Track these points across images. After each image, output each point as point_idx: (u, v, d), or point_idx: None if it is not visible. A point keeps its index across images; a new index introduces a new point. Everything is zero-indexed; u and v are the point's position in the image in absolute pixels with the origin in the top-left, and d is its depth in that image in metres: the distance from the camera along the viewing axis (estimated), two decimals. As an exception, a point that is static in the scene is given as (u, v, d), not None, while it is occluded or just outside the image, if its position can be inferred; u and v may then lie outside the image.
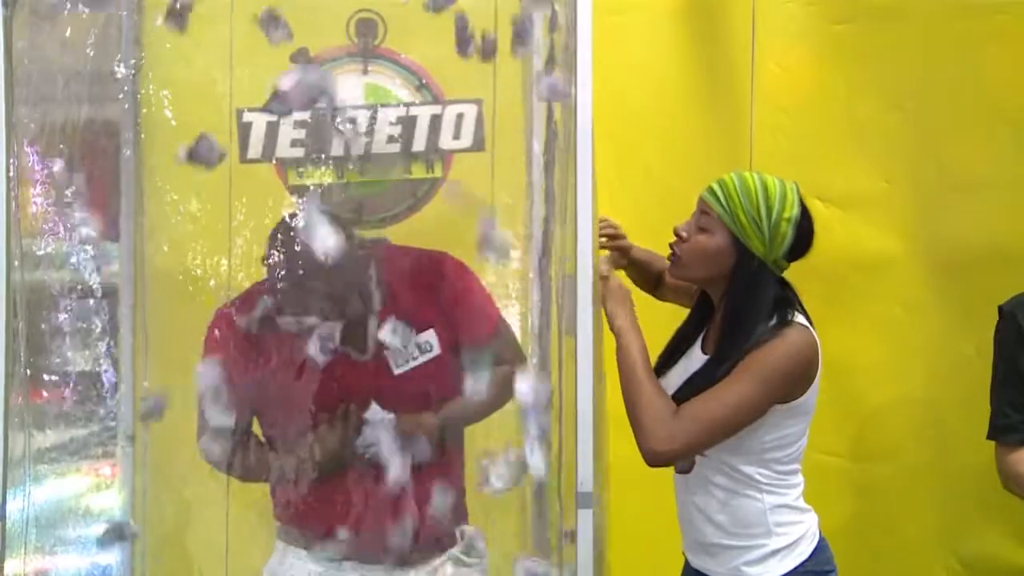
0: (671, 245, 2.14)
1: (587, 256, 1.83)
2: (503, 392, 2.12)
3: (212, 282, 2.08)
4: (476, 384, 2.15)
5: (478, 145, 2.93)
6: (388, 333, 2.10)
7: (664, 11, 3.15)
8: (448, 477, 2.18)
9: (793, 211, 2.06)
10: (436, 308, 2.23)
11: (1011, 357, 2.22)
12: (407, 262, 2.27)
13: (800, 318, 2.06)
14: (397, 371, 2.17)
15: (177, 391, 2.16)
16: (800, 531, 2.07)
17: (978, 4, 2.83)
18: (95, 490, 2.26)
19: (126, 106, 2.02)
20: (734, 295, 2.08)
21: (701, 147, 2.97)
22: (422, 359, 2.19)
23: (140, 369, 2.23)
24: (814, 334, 2.06)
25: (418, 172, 2.86)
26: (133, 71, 2.00)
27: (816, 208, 2.94)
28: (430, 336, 2.20)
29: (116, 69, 1.95)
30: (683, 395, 2.03)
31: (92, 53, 1.89)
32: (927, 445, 2.92)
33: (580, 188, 1.83)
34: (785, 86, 3.07)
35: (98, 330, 2.07)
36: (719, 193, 2.07)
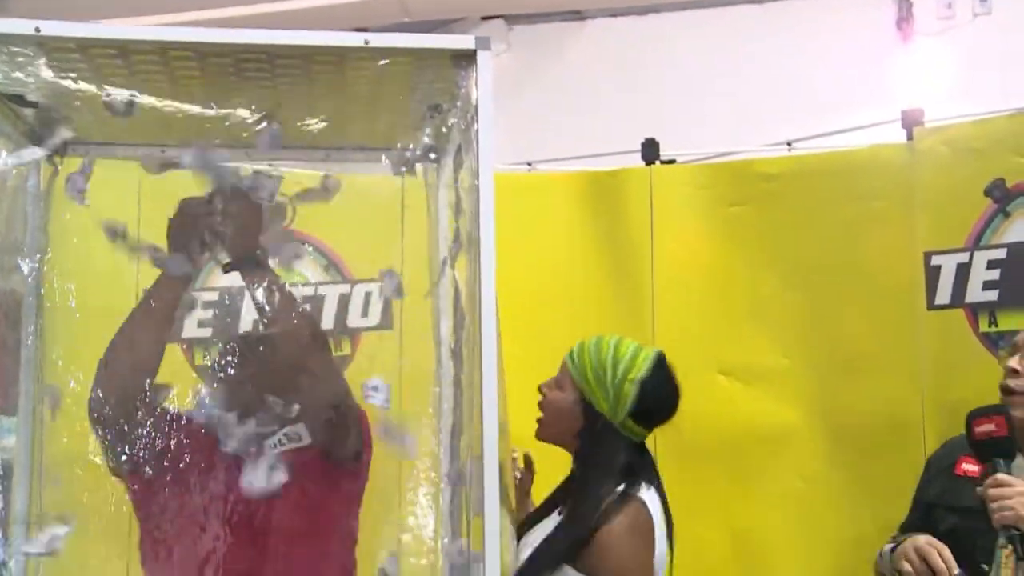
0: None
1: (492, 440, 1.83)
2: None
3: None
4: None
5: (386, 323, 2.98)
6: None
7: (565, 195, 3.28)
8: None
9: (640, 372, 2.07)
10: None
11: (917, 489, 2.28)
12: None
13: (645, 491, 2.04)
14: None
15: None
16: None
17: (858, 192, 3.00)
18: None
19: (30, 299, 2.01)
20: (582, 455, 2.09)
21: (607, 325, 3.04)
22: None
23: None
24: (651, 512, 2.02)
25: (326, 351, 2.87)
26: (37, 264, 2.00)
27: (719, 383, 3.07)
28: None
29: (20, 263, 1.95)
30: (538, 555, 2.01)
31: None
32: (834, 618, 2.92)
33: (485, 374, 1.85)
34: (685, 265, 3.19)
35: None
36: (575, 351, 2.13)
